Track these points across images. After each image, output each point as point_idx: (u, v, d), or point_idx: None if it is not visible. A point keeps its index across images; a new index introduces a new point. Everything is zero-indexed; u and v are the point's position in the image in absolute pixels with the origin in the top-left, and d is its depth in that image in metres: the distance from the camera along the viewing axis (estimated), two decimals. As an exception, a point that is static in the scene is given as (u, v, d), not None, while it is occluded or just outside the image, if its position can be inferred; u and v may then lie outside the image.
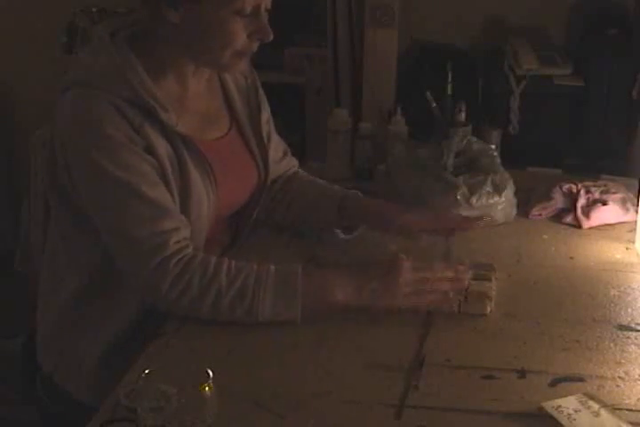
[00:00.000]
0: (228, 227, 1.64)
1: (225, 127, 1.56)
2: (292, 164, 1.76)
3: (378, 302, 1.38)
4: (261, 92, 1.65)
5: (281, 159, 1.72)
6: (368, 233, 1.66)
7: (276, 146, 1.70)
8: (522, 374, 1.26)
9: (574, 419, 1.13)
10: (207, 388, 1.03)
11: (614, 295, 1.51)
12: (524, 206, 1.84)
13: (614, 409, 1.16)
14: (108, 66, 1.39)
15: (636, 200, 1.79)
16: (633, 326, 1.40)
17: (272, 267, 1.37)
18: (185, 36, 1.40)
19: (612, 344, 1.35)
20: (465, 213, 1.74)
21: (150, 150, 1.38)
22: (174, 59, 1.44)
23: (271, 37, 1.41)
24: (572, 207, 1.82)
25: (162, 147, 1.39)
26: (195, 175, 1.43)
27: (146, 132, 1.37)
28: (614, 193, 1.84)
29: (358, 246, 1.65)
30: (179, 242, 1.37)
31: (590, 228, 1.79)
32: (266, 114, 1.65)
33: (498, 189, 1.77)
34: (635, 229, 1.71)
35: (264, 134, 1.61)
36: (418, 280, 1.39)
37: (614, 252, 1.69)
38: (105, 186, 1.36)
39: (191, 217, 1.43)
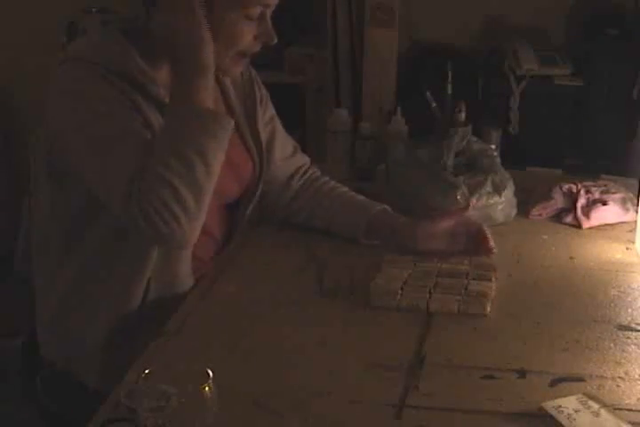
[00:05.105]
0: (222, 222, 1.63)
1: None
2: (303, 161, 1.76)
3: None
4: (264, 91, 1.68)
5: (291, 156, 1.74)
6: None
7: (284, 143, 1.72)
8: (522, 374, 1.26)
9: (574, 419, 1.13)
10: (207, 388, 1.03)
11: (614, 295, 1.50)
12: (524, 206, 1.84)
13: (614, 409, 1.16)
14: (100, 42, 1.42)
15: (636, 200, 1.79)
16: (633, 326, 1.40)
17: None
18: None
19: (611, 344, 1.34)
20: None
21: (147, 124, 1.39)
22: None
23: (275, 40, 1.45)
24: (572, 207, 1.82)
25: (157, 122, 1.40)
26: None
27: (139, 104, 1.38)
28: (614, 193, 1.84)
29: None
30: None
31: (590, 228, 1.79)
32: (269, 112, 1.68)
33: (498, 189, 1.77)
34: (635, 229, 1.71)
35: (260, 129, 1.63)
36: None
37: (614, 252, 1.69)
38: (91, 133, 1.35)
39: None
